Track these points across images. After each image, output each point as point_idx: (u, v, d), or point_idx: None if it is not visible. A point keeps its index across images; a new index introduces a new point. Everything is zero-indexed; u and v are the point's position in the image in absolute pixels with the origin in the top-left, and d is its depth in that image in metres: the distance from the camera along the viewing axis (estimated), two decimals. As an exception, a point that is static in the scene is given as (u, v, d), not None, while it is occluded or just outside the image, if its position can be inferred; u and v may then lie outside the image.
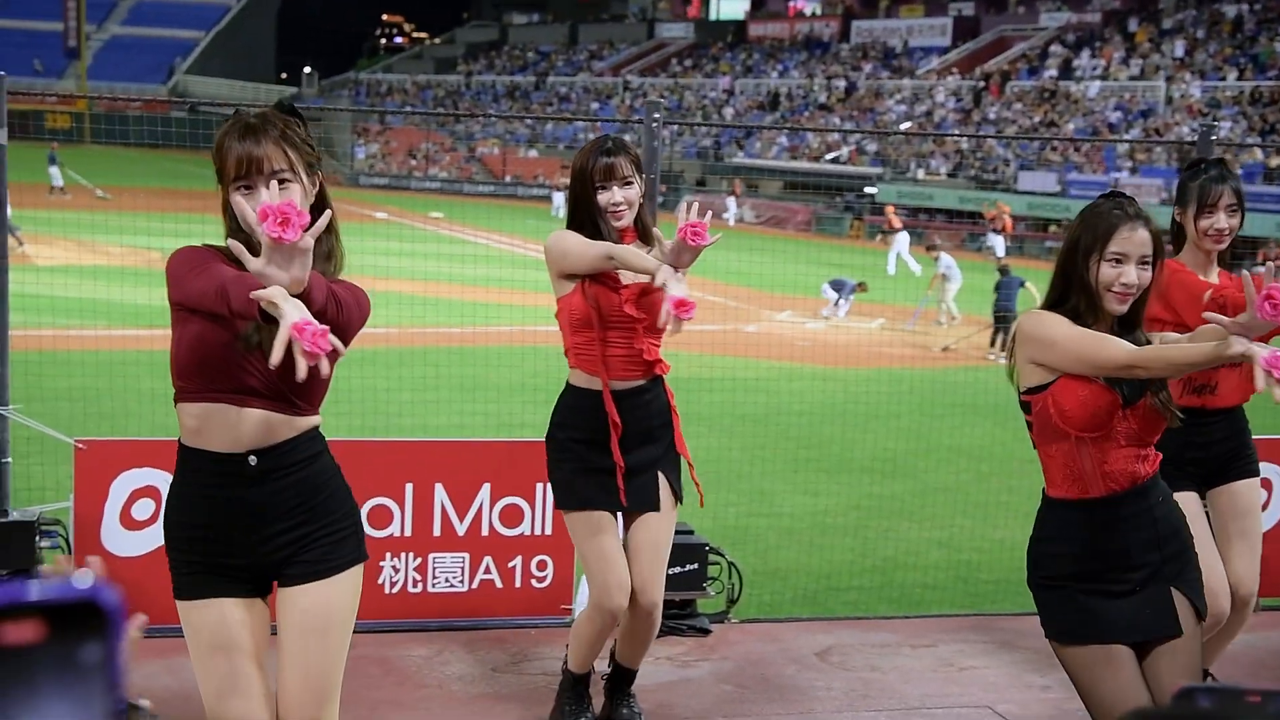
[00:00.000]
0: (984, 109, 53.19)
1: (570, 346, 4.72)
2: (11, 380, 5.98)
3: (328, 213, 3.10)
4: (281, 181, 3.24)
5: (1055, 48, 56.19)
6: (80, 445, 5.81)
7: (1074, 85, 51.38)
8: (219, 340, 3.26)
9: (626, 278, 4.58)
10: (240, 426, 3.32)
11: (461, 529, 6.17)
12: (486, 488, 6.18)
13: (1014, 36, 60.31)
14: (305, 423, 3.41)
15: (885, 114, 56.28)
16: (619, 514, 4.84)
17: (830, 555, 8.37)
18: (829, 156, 52.10)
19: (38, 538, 5.89)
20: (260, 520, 3.38)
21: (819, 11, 73.76)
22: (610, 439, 4.67)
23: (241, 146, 3.25)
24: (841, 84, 61.38)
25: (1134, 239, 3.70)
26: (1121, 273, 3.69)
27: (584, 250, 4.53)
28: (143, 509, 5.81)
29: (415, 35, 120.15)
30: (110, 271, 17.50)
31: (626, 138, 4.84)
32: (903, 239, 28.59)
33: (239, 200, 3.09)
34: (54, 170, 31.65)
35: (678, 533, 6.34)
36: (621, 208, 4.61)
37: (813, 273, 22.17)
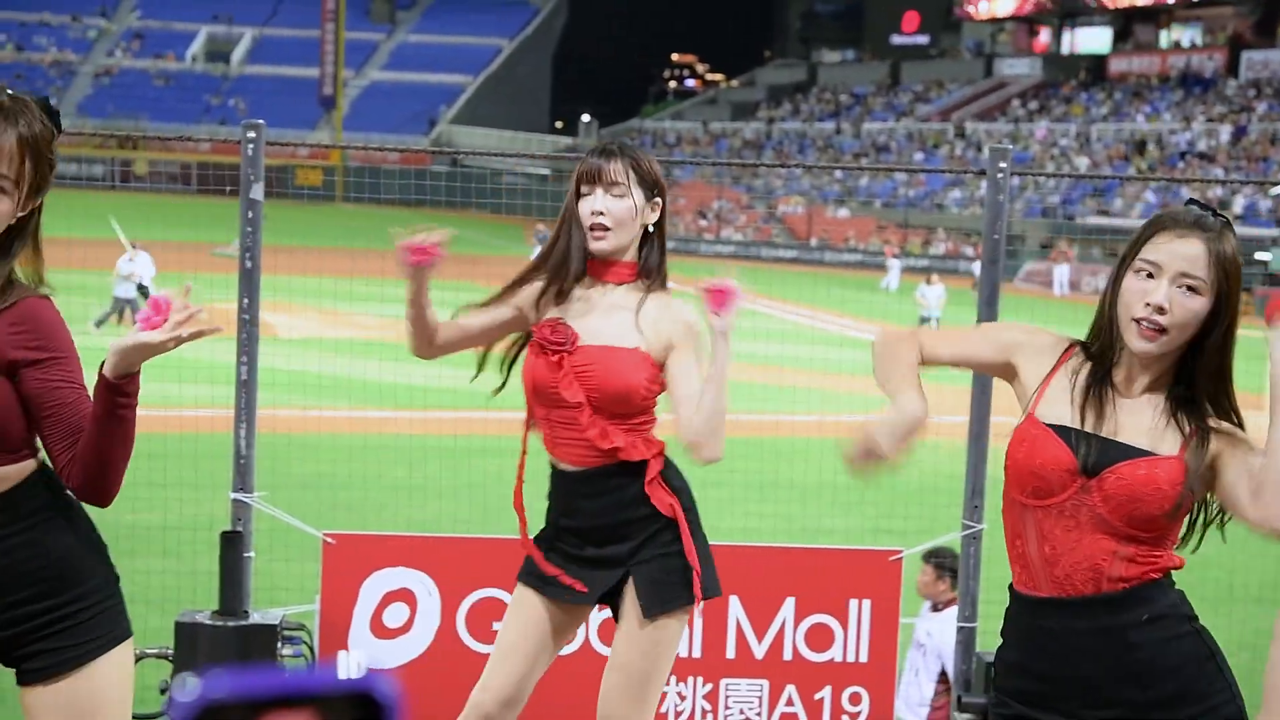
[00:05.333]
0: None
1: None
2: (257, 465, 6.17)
3: None
4: None
5: None
6: (329, 539, 5.97)
7: None
8: None
9: None
10: None
11: (760, 651, 6.20)
12: (790, 603, 6.19)
13: None
14: None
15: (1282, 164, 54.55)
16: None
17: None
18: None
19: (279, 644, 5.99)
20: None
21: (1199, 42, 72.17)
22: None
23: None
24: (1227, 128, 59.79)
25: None
26: None
27: None
28: (395, 614, 5.92)
29: (709, 77, 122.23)
30: (356, 344, 18.21)
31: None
32: None
33: None
34: (118, 227, 33.50)
35: None
36: (605, 221, 4.29)
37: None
